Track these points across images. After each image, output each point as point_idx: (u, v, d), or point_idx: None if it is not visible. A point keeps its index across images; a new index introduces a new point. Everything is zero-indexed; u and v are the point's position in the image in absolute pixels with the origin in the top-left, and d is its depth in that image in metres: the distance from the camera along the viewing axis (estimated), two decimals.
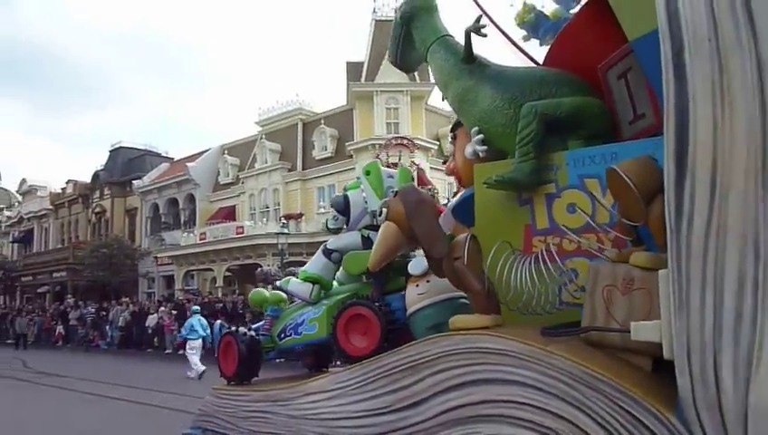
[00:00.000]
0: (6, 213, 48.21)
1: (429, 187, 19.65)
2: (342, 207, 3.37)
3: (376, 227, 3.05)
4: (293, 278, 3.38)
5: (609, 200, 2.40)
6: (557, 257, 2.33)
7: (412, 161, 23.23)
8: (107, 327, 26.68)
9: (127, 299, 28.45)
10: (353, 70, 28.92)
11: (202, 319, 14.51)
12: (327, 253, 3.28)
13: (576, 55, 2.86)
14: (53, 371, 15.18)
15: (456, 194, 3.85)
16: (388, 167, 4.78)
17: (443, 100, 3.25)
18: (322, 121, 30.52)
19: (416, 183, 3.73)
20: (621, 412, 1.93)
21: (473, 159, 3.01)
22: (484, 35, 2.88)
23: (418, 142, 26.73)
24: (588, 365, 2.01)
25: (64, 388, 12.13)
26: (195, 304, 17.90)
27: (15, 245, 45.28)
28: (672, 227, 1.86)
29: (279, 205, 31.09)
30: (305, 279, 3.26)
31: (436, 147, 27.34)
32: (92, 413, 8.73)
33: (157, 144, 41.30)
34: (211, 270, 30.76)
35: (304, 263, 3.66)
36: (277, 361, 3.83)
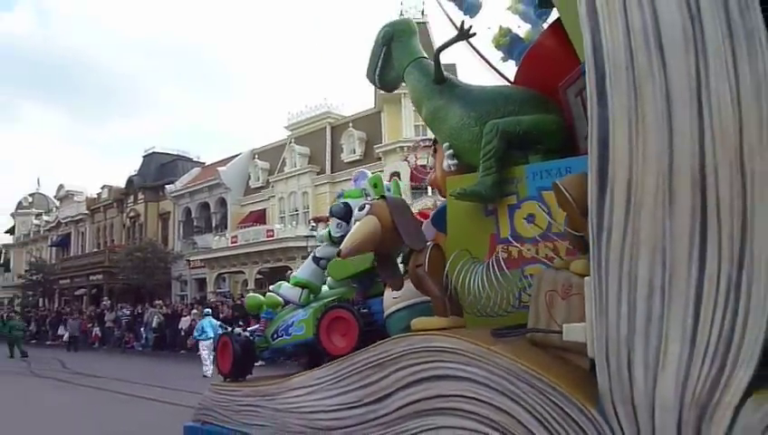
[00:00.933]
0: (45, 218, 50.07)
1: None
2: (343, 215, 3.60)
3: None
4: (285, 283, 3.69)
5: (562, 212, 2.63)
6: (504, 265, 2.57)
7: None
8: (141, 329, 27.54)
9: (160, 302, 29.30)
10: None
11: (213, 321, 15.21)
12: (316, 260, 3.58)
13: (540, 74, 3.09)
14: (90, 371, 15.88)
15: None
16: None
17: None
18: (351, 125, 30.94)
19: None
20: (552, 406, 2.16)
21: (449, 171, 3.26)
22: (474, 34, 3.05)
23: None
24: (525, 363, 2.24)
25: (100, 388, 12.74)
26: (206, 308, 18.67)
27: (54, 248, 47.00)
28: (594, 238, 2.09)
29: (308, 208, 31.64)
30: (295, 284, 3.56)
31: None
32: (127, 413, 9.21)
33: (188, 149, 42.42)
34: (242, 273, 31.47)
35: None
36: (281, 360, 4.14)
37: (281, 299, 3.72)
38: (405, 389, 2.59)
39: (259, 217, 33.82)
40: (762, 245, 1.79)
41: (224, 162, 37.25)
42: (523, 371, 2.24)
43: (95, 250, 41.07)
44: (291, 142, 33.05)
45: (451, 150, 3.14)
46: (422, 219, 3.69)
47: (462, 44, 3.27)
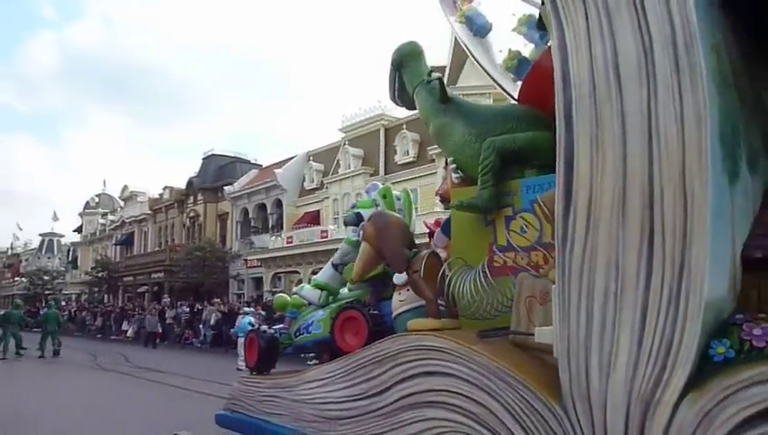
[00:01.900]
0: (110, 217, 52.75)
1: None
2: (355, 223, 3.97)
3: None
4: (307, 285, 4.07)
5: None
6: (488, 273, 2.85)
7: None
8: (200, 326, 28.65)
9: (218, 300, 30.39)
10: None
11: (251, 319, 16.07)
12: (334, 265, 3.94)
13: (539, 93, 3.33)
14: (152, 366, 16.80)
15: None
16: None
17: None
18: (404, 126, 31.24)
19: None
20: (522, 400, 2.44)
21: (454, 184, 3.56)
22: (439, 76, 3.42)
23: None
24: (501, 362, 2.52)
25: (160, 382, 13.53)
26: (245, 307, 19.64)
27: (118, 247, 49.45)
28: (559, 250, 2.35)
29: None
30: (315, 286, 3.94)
31: None
32: (185, 407, 9.84)
33: (246, 152, 43.75)
34: (297, 272, 32.27)
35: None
36: (306, 355, 4.52)
37: (304, 300, 4.09)
38: (401, 383, 2.90)
39: (313, 218, 34.62)
40: (698, 259, 2.01)
41: (280, 164, 38.28)
42: (499, 369, 2.52)
43: (157, 249, 43.01)
44: (345, 144, 33.67)
45: (455, 165, 3.43)
46: (435, 228, 4.00)
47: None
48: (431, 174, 27.75)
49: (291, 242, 32.28)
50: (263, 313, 23.56)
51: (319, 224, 33.18)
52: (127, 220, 48.14)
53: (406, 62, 3.77)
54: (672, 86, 2.12)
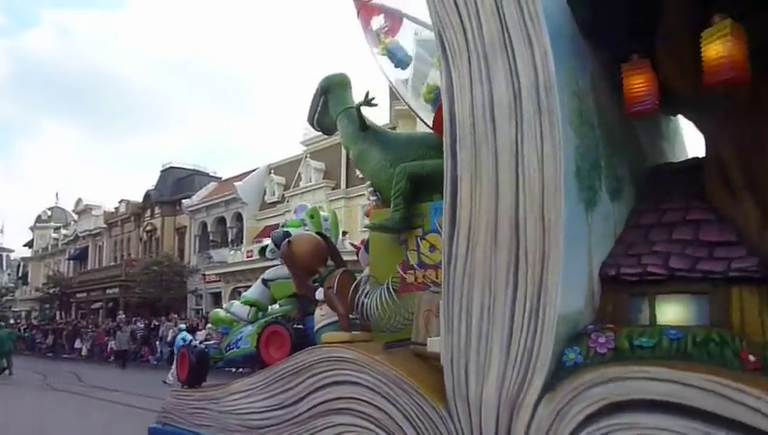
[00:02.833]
0: (63, 231, 51.70)
1: None
2: (279, 242, 4.23)
3: None
4: (236, 302, 4.34)
5: None
6: (392, 290, 3.17)
7: None
8: (157, 343, 28.34)
9: (176, 316, 30.10)
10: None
11: (186, 335, 16.55)
12: (264, 282, 4.22)
13: None
14: (106, 385, 16.55)
15: None
16: None
17: None
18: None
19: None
20: (415, 405, 2.75)
21: (374, 206, 3.89)
22: (375, 105, 3.75)
23: None
24: (398, 370, 2.83)
25: (113, 401, 13.37)
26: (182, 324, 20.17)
27: (71, 262, 48.50)
28: (445, 269, 2.68)
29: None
30: (245, 303, 4.21)
31: None
32: (137, 426, 9.82)
33: (206, 164, 43.51)
34: None
35: None
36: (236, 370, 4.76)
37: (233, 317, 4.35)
38: (314, 393, 3.18)
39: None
40: (553, 279, 2.36)
41: (240, 177, 38.20)
42: (396, 377, 2.83)
43: (112, 264, 42.31)
44: (306, 157, 33.86)
45: (372, 188, 3.76)
46: (361, 247, 4.31)
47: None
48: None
49: (251, 256, 32.20)
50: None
51: None
52: (81, 234, 47.28)
53: (333, 89, 4.10)
54: (535, 127, 2.47)
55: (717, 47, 2.21)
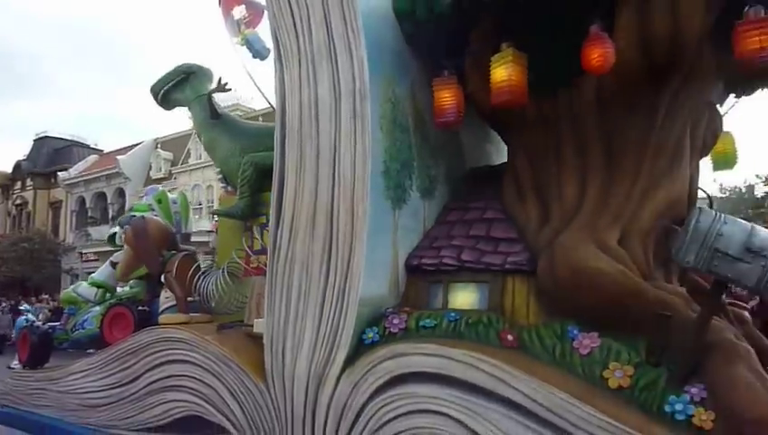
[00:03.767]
0: None
1: None
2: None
3: None
4: (84, 283, 4.41)
5: None
6: (227, 274, 3.42)
7: None
8: None
9: (47, 296, 28.58)
10: None
11: (31, 316, 15.80)
12: (112, 264, 4.31)
13: None
14: None
15: None
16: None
17: None
18: (261, 118, 31.16)
19: None
20: (239, 381, 3.01)
21: (224, 193, 4.08)
22: (229, 90, 3.94)
23: None
24: (225, 350, 3.08)
25: None
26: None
27: None
28: (270, 255, 2.95)
29: (212, 202, 31.61)
30: (92, 284, 4.29)
31: None
32: None
33: (87, 136, 41.23)
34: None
35: None
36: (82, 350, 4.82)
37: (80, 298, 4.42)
38: (149, 371, 3.37)
39: None
40: (358, 264, 2.69)
41: (124, 151, 36.53)
42: (223, 355, 3.08)
43: None
44: (196, 133, 33.06)
45: (221, 175, 3.96)
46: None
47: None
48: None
49: None
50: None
51: None
52: None
53: (196, 75, 4.24)
54: (350, 129, 2.79)
55: (501, 72, 2.60)
